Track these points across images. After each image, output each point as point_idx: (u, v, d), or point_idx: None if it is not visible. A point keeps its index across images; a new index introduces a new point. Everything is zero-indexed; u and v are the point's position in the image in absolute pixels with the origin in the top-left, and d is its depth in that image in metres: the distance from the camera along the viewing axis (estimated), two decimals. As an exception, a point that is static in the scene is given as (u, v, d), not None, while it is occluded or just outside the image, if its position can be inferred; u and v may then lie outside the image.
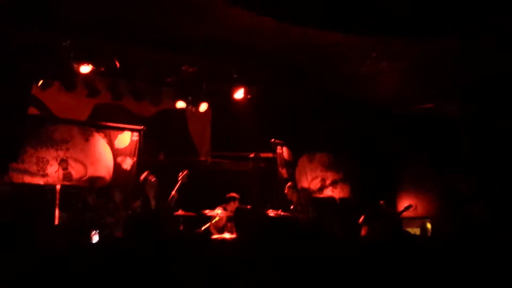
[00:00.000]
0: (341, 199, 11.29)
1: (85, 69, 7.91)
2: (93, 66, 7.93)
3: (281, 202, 9.71)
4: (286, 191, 9.60)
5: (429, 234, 10.45)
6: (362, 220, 9.85)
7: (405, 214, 10.48)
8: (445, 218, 10.15)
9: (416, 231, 10.32)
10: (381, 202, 10.19)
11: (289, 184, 9.85)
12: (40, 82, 7.87)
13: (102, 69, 8.13)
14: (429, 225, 10.58)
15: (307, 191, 10.94)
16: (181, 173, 8.23)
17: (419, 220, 10.54)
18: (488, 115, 9.85)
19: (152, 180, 8.12)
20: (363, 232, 9.66)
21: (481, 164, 9.85)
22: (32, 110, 8.12)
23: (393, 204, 11.29)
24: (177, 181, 8.15)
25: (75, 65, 7.83)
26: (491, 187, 9.53)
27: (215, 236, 8.46)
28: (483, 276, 6.53)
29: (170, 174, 8.43)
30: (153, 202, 8.09)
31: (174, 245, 7.58)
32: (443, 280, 6.55)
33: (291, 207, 9.35)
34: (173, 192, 8.10)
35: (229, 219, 9.04)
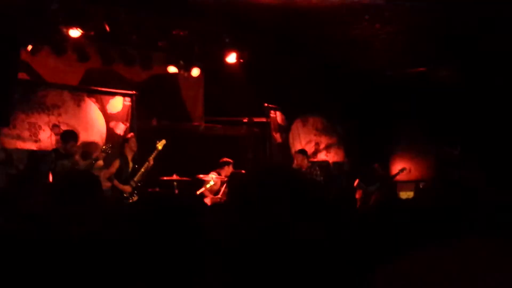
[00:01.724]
0: (335, 163, 11.31)
1: (75, 33, 7.80)
2: (83, 30, 7.83)
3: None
4: (295, 157, 9.54)
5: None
6: (357, 184, 9.93)
7: (399, 177, 10.55)
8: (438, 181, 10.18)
9: (409, 194, 10.38)
10: (376, 165, 10.25)
11: (298, 149, 9.84)
12: (30, 47, 7.79)
13: (92, 33, 8.03)
14: (422, 188, 10.63)
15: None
16: (158, 141, 8.15)
17: (412, 183, 10.59)
18: (481, 79, 9.80)
19: (134, 143, 8.08)
20: (357, 195, 9.72)
21: (474, 128, 9.85)
22: (22, 75, 8.05)
23: (387, 167, 11.34)
24: (156, 149, 8.08)
25: (64, 29, 7.74)
26: (483, 152, 9.55)
27: (208, 200, 8.54)
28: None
29: (163, 139, 8.39)
30: (130, 165, 8.03)
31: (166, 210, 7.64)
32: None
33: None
34: (150, 159, 8.02)
35: (223, 183, 9.09)
